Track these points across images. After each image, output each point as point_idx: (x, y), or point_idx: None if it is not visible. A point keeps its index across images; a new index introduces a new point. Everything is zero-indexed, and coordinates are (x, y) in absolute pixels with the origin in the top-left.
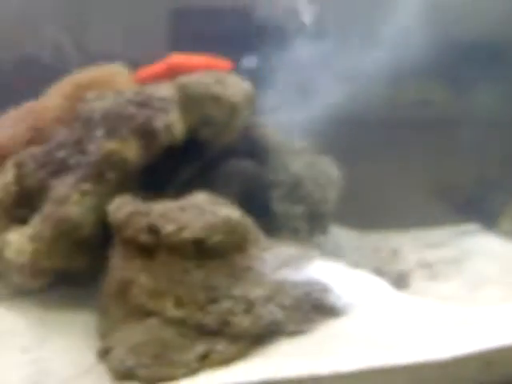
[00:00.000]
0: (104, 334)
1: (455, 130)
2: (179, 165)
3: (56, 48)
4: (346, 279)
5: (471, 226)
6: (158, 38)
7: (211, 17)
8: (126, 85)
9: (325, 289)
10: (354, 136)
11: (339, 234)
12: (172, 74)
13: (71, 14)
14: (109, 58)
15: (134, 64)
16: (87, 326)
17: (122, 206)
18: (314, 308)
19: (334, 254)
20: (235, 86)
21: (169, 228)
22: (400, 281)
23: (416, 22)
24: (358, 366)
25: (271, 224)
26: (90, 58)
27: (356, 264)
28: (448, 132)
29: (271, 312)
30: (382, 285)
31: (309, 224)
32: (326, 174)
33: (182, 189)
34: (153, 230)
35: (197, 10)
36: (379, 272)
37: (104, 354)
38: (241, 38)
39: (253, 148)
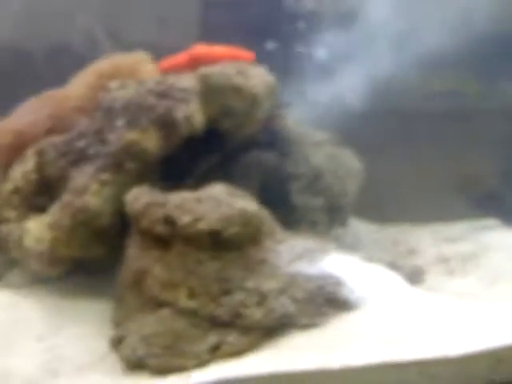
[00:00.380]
0: (118, 322)
1: (483, 122)
2: (200, 155)
3: (89, 37)
4: (360, 273)
5: (491, 221)
6: (191, 26)
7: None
8: (150, 74)
9: (338, 282)
10: (379, 127)
11: (359, 227)
12: (195, 64)
13: (104, 3)
14: (141, 46)
15: (166, 52)
16: (103, 314)
17: (139, 197)
18: (327, 301)
19: (353, 246)
20: (257, 78)
21: (185, 219)
22: (414, 276)
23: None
24: (369, 360)
25: (290, 216)
26: (122, 47)
27: (371, 258)
28: (475, 124)
29: (283, 305)
30: (395, 279)
31: (328, 216)
32: (346, 166)
33: (203, 179)
34: (169, 220)
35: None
36: (394, 266)
37: (117, 342)
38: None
39: (274, 139)
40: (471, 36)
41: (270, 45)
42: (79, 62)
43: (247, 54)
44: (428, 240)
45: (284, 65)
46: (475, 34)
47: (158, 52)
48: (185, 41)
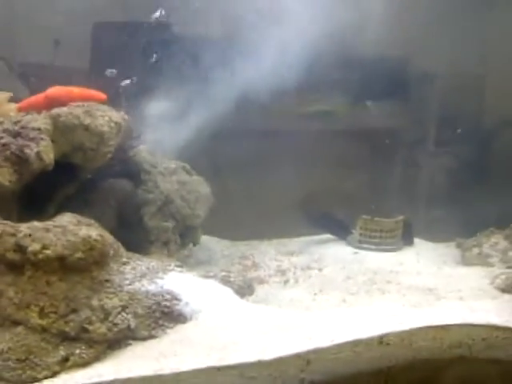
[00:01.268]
0: None
1: (341, 142)
2: (57, 187)
3: None
4: (195, 289)
5: (326, 237)
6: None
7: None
8: (9, 113)
9: (175, 298)
10: (243, 148)
11: (213, 245)
12: (51, 104)
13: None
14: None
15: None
16: None
17: None
18: (165, 315)
19: (206, 262)
20: (104, 117)
21: (34, 247)
22: (246, 288)
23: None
24: (197, 365)
25: (145, 238)
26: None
27: (206, 274)
28: (333, 145)
29: (125, 320)
30: (226, 293)
31: (180, 237)
32: (196, 191)
33: (63, 208)
34: (20, 248)
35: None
36: (226, 281)
37: None
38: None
39: (128, 169)
40: (344, 60)
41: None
42: None
43: (99, 95)
44: (272, 254)
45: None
46: (347, 58)
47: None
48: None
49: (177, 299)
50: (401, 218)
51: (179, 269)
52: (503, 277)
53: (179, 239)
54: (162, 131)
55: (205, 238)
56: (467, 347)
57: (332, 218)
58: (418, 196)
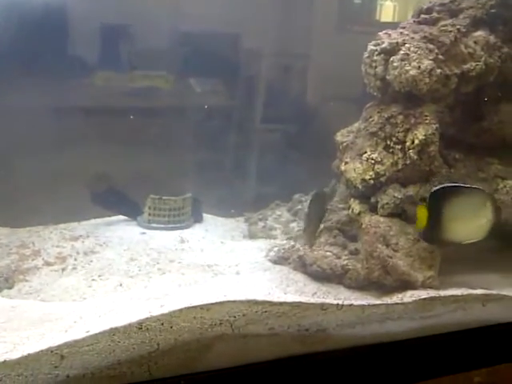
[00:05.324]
0: None
1: (150, 120)
2: None
3: None
4: None
5: (115, 218)
6: None
7: None
8: None
9: None
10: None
11: None
12: None
13: None
14: None
15: None
16: None
17: None
18: None
19: None
20: None
21: None
22: (2, 282)
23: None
24: None
25: None
26: None
27: None
28: (137, 122)
29: None
30: None
31: None
32: None
33: None
34: None
35: None
36: None
37: None
38: None
39: None
40: (168, 34)
41: None
42: None
43: None
44: (55, 240)
45: None
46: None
47: None
48: None
49: None
50: (189, 195)
51: None
52: (276, 249)
53: None
54: None
55: None
56: (229, 324)
57: (122, 197)
58: (221, 173)
